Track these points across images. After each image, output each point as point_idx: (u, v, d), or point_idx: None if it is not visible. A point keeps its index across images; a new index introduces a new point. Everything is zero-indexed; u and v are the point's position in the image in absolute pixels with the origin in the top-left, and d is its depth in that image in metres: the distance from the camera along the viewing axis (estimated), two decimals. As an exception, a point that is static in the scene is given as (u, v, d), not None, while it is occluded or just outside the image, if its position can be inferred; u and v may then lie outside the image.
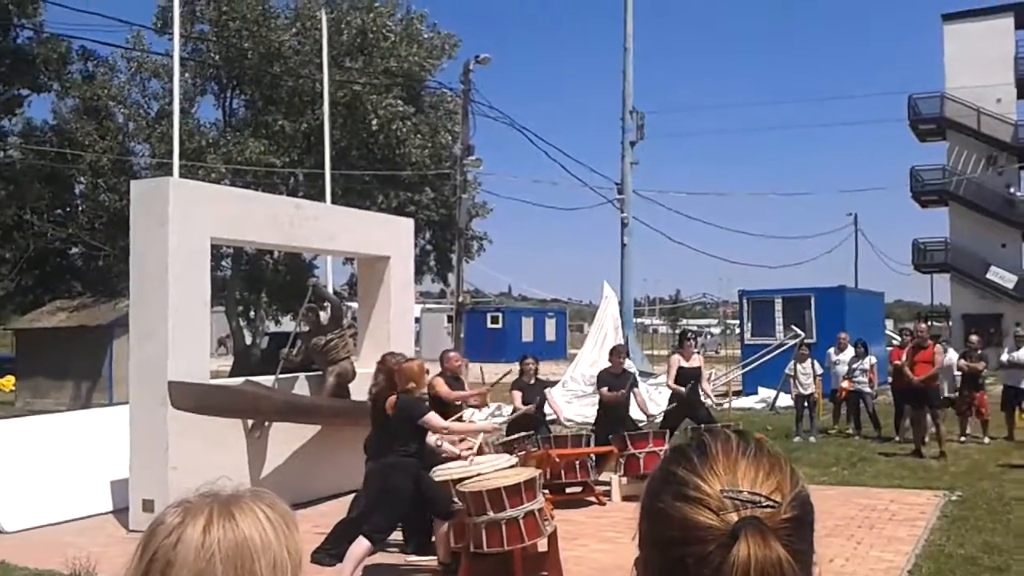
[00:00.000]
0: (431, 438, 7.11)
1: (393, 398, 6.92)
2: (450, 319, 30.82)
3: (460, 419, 9.07)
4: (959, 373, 14.26)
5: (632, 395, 11.16)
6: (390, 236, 11.89)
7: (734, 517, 0.95)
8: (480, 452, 8.26)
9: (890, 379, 14.69)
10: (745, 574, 0.92)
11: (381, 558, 7.09)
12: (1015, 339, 14.59)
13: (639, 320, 43.93)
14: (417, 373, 7.01)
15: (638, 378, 11.91)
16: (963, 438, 14.04)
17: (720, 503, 0.97)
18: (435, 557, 7.15)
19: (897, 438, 13.98)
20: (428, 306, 47.41)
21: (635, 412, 11.53)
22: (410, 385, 6.92)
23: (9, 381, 23.85)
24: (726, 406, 17.70)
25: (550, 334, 45.58)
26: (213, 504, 1.11)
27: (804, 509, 1.01)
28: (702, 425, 11.07)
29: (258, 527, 1.10)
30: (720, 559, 0.93)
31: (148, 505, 8.60)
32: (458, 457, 7.39)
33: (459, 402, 9.04)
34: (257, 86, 25.13)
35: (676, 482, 1.00)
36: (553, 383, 17.78)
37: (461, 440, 7.88)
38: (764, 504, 0.97)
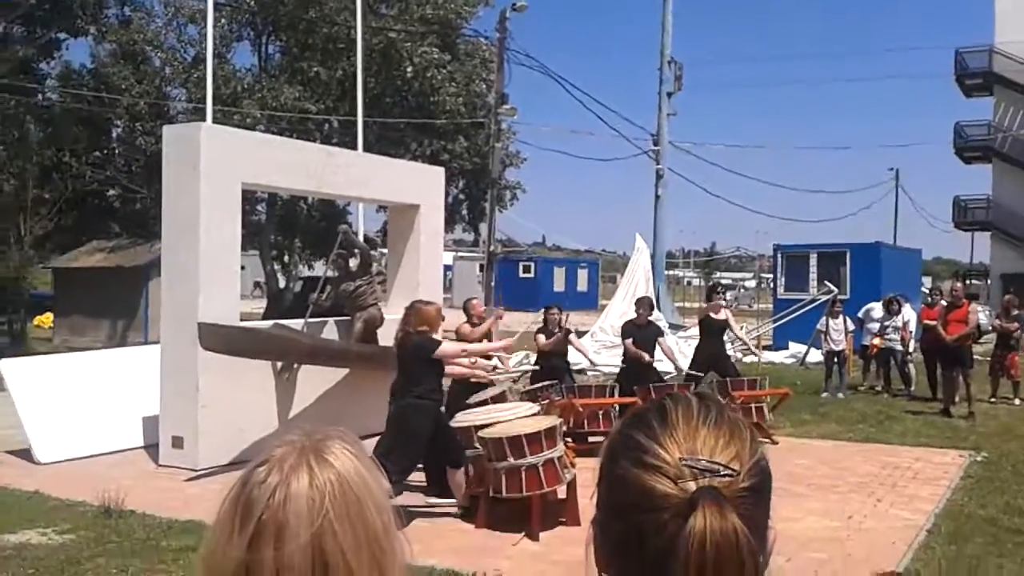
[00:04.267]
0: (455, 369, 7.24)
1: (403, 335, 7.00)
2: (482, 268, 30.86)
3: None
4: (991, 332, 14.03)
5: (658, 345, 11.16)
6: (420, 184, 11.91)
7: (692, 486, 0.95)
8: (504, 399, 8.36)
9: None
10: (701, 545, 0.92)
11: (403, 499, 7.21)
12: None
13: (672, 272, 43.74)
14: (432, 316, 7.06)
15: (666, 329, 11.92)
16: (993, 399, 13.91)
17: (678, 471, 0.96)
18: (455, 500, 7.26)
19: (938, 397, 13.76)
20: (461, 254, 47.50)
21: (661, 365, 11.54)
22: (422, 328, 6.97)
23: (48, 318, 24.37)
24: (756, 360, 17.66)
25: (582, 284, 45.53)
26: (308, 454, 1.02)
27: (762, 477, 1.00)
28: (727, 378, 11.09)
29: (355, 468, 1.03)
30: (676, 528, 0.93)
31: (178, 441, 8.82)
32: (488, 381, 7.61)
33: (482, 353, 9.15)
34: (293, 32, 25.03)
35: (635, 448, 1.00)
36: (581, 333, 17.83)
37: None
38: (723, 473, 0.96)
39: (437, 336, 7.38)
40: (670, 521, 0.94)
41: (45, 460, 9.00)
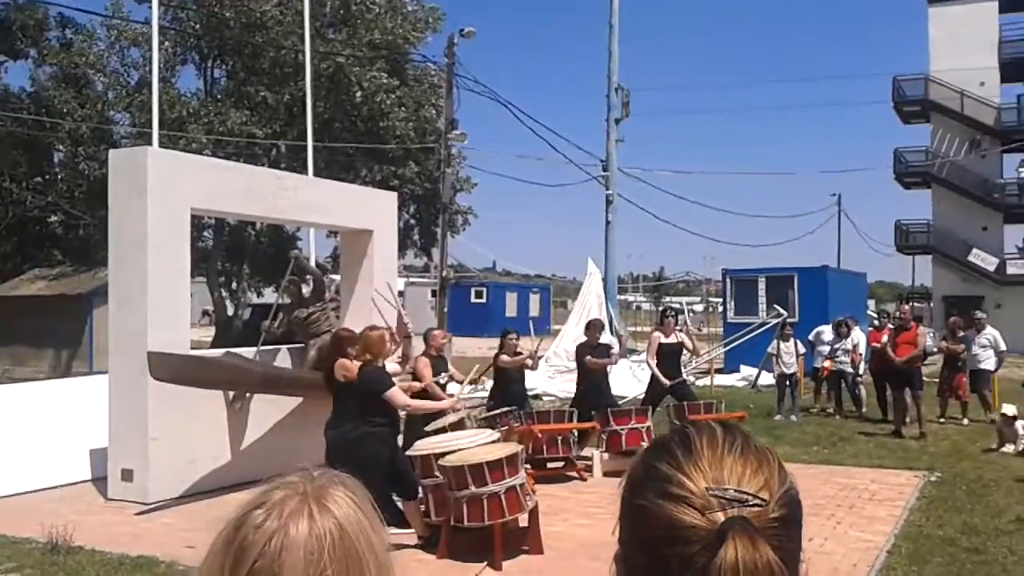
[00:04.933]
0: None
1: (346, 362, 6.87)
2: (434, 293, 30.75)
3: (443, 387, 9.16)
4: (936, 353, 14.24)
5: (609, 352, 11.46)
6: (373, 209, 11.79)
7: (720, 517, 0.90)
8: (462, 427, 8.25)
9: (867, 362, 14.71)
10: None
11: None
12: (974, 323, 14.56)
13: (622, 297, 44.00)
14: (377, 343, 6.93)
15: (614, 344, 12.14)
16: (942, 419, 14.12)
17: (705, 501, 0.91)
18: (414, 531, 7.12)
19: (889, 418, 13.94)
20: (412, 280, 47.28)
21: (617, 388, 11.55)
22: (366, 356, 6.85)
23: (-12, 349, 23.70)
24: (708, 383, 17.77)
25: (534, 310, 45.51)
26: (309, 499, 0.97)
27: (792, 507, 0.95)
28: (684, 402, 11.09)
29: (357, 519, 0.97)
30: (705, 561, 0.88)
31: (127, 475, 8.55)
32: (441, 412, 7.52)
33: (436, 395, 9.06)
34: (239, 56, 24.85)
35: (659, 478, 0.95)
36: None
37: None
38: (751, 503, 0.91)
39: (388, 364, 7.23)
40: (698, 554, 0.89)
41: (-11, 496, 8.66)
